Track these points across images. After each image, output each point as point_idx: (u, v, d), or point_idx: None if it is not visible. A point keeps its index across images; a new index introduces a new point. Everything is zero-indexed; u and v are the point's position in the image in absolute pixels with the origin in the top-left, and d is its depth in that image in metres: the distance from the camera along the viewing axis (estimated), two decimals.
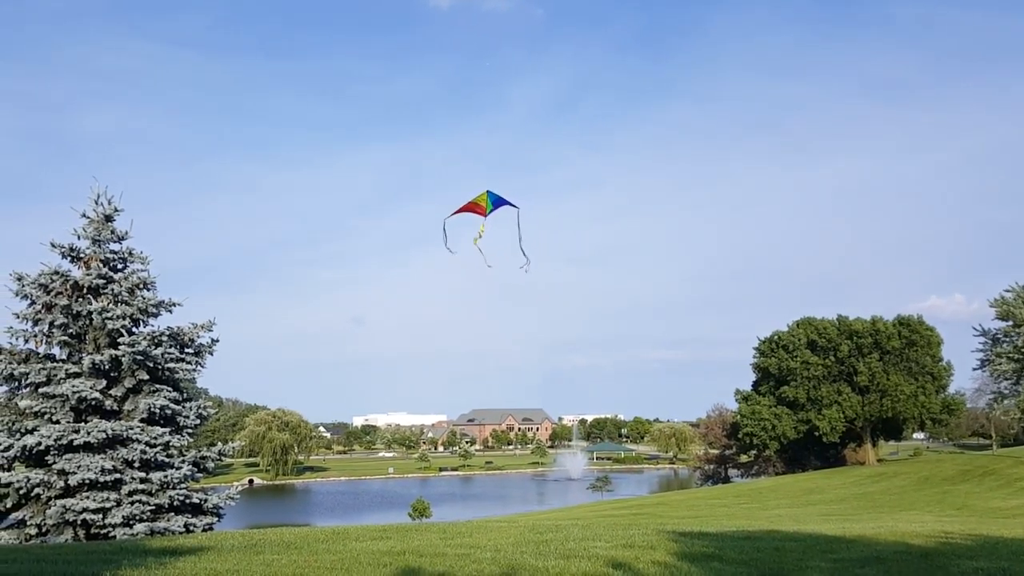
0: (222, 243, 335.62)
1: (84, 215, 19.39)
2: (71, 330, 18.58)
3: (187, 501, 18.38)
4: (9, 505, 17.63)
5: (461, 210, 11.98)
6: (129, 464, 17.82)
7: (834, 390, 64.83)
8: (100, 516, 17.13)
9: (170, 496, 18.02)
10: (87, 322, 18.48)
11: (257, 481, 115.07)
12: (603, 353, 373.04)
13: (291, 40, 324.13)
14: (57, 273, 18.31)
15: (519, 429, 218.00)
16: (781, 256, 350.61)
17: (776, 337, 69.92)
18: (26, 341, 18.45)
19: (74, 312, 18.35)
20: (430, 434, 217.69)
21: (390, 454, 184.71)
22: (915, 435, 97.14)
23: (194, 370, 19.59)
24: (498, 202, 11.99)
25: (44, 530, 17.34)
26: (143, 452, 17.82)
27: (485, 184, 12.00)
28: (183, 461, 18.81)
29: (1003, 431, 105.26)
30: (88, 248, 19.25)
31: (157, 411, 18.41)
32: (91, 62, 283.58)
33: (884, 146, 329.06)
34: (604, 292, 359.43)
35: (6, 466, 17.64)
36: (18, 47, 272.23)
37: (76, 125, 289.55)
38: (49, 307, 18.29)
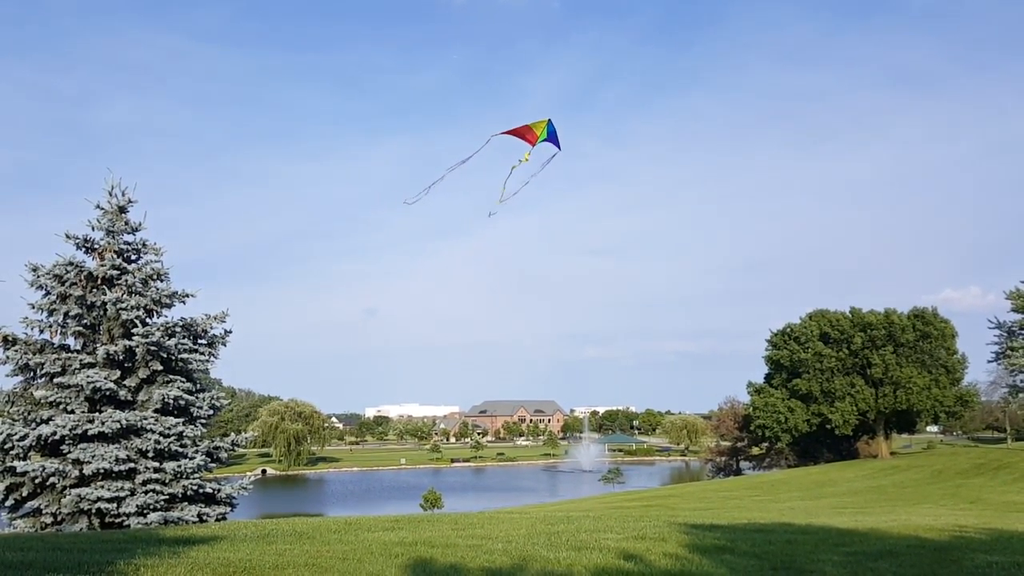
0: (237, 235, 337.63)
1: (98, 206, 19.46)
2: (85, 320, 18.67)
3: (200, 491, 18.44)
4: (25, 494, 17.74)
5: (514, 132, 11.16)
6: (143, 454, 17.92)
7: (847, 383, 64.51)
8: (114, 505, 17.23)
9: (183, 486, 18.10)
10: (101, 312, 18.56)
11: (270, 471, 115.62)
12: (616, 345, 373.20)
13: (309, 33, 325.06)
14: (72, 264, 18.34)
15: (531, 421, 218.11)
16: (795, 248, 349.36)
17: (789, 329, 69.66)
18: (41, 331, 18.55)
19: (88, 303, 18.42)
20: (442, 425, 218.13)
21: (406, 445, 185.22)
22: (929, 428, 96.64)
23: (207, 361, 19.63)
24: (552, 137, 11.23)
25: (59, 519, 17.47)
26: (157, 442, 17.89)
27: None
28: (196, 451, 18.88)
29: (1018, 424, 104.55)
30: (102, 239, 19.29)
31: (171, 401, 18.48)
32: (111, 55, 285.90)
33: (902, 137, 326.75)
34: (617, 284, 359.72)
35: (22, 455, 17.74)
36: (39, 40, 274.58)
37: (96, 117, 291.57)
38: (64, 297, 18.36)
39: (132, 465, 17.58)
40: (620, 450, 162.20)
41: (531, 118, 11.12)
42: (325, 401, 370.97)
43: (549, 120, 11.16)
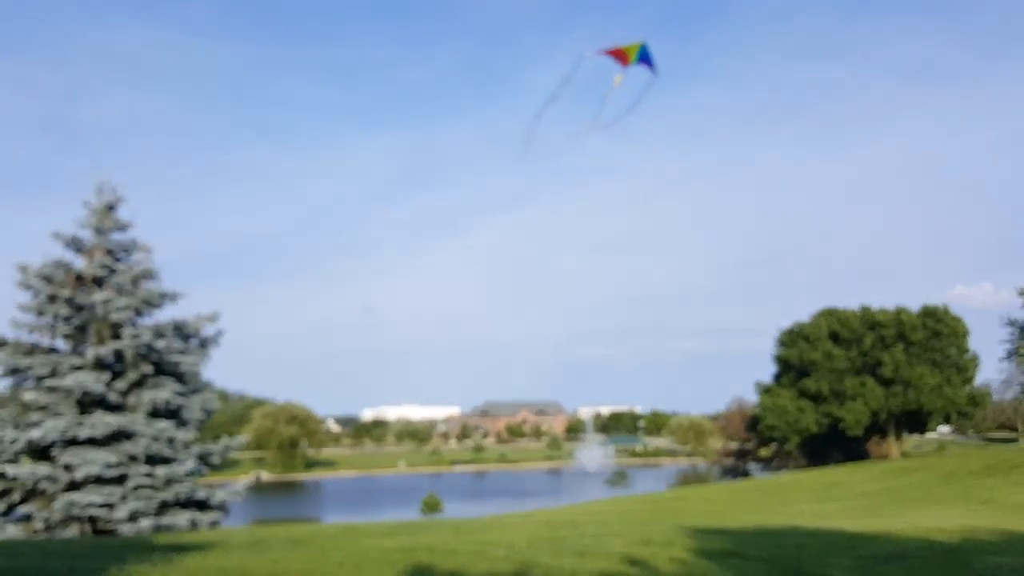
0: (229, 232, 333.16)
1: (87, 204, 19.27)
2: (75, 322, 18.50)
3: (192, 497, 18.28)
4: (16, 499, 17.59)
5: (609, 52, 10.46)
6: (134, 458, 17.73)
7: (857, 382, 64.13)
8: (106, 511, 17.12)
9: (175, 491, 17.92)
10: (91, 313, 18.34)
11: (264, 476, 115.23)
12: (620, 343, 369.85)
13: (305, 26, 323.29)
14: (60, 264, 18.26)
15: (533, 422, 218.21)
16: (804, 244, 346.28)
17: (798, 328, 69.31)
18: (31, 333, 18.37)
19: (78, 303, 18.23)
20: (442, 427, 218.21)
21: (405, 447, 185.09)
22: (940, 428, 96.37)
23: (199, 362, 19.45)
24: (644, 59, 10.46)
25: (51, 525, 17.31)
26: (148, 446, 17.72)
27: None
28: (188, 455, 18.67)
29: None
30: (91, 238, 19.15)
31: (162, 405, 18.32)
32: (101, 50, 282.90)
33: (913, 130, 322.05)
34: (622, 281, 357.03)
35: (12, 460, 17.56)
36: (28, 35, 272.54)
37: (87, 113, 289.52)
38: (53, 298, 18.21)
39: (123, 470, 17.41)
40: (625, 451, 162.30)
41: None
42: (321, 402, 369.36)
43: (644, 44, 10.43)
